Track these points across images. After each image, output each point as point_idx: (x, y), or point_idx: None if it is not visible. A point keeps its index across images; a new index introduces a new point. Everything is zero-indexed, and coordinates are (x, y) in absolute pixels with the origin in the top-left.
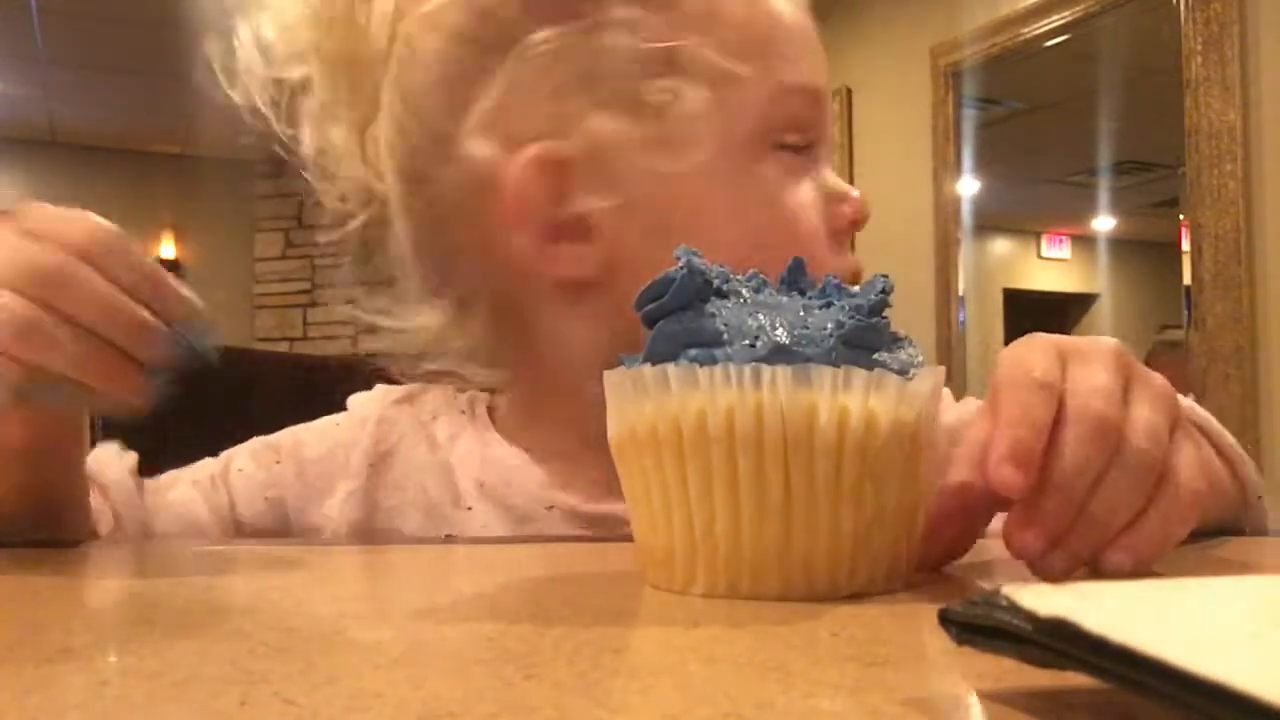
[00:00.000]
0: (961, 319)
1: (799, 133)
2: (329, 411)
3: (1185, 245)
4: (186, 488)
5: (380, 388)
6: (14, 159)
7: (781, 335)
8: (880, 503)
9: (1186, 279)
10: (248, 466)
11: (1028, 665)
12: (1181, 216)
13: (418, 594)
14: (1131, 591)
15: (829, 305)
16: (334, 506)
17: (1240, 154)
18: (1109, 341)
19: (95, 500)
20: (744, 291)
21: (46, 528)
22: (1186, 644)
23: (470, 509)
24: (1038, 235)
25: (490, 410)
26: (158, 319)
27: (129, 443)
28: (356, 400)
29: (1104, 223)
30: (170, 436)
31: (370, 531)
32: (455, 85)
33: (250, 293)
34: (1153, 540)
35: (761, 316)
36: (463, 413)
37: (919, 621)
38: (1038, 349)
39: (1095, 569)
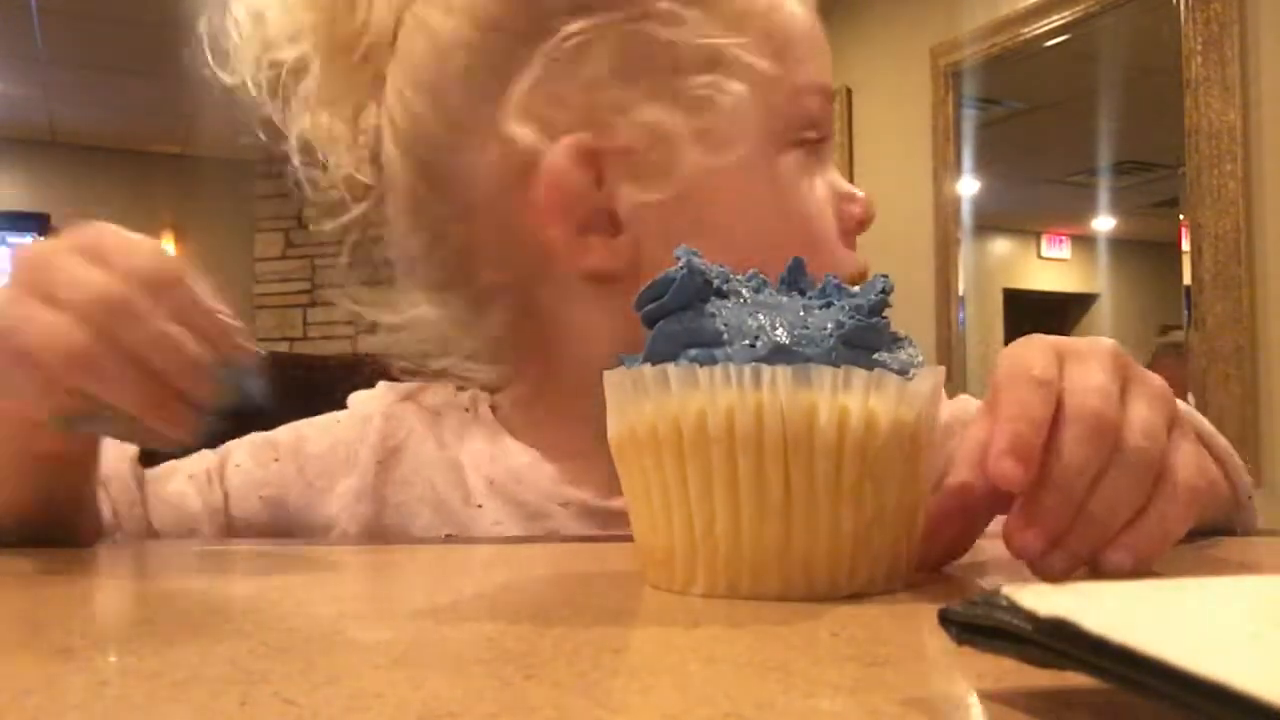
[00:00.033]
0: (961, 319)
1: (814, 130)
2: (330, 411)
3: (1185, 245)
4: (182, 482)
5: (383, 385)
6: (14, 159)
7: (781, 335)
8: (880, 503)
9: (1186, 279)
10: (245, 463)
11: (1028, 665)
12: (1181, 216)
13: (418, 594)
14: (1131, 591)
15: (829, 305)
16: (337, 503)
17: (1240, 154)
18: (1106, 342)
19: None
20: (744, 291)
21: (59, 530)
22: (1186, 644)
23: (480, 506)
24: (1038, 235)
25: (492, 409)
26: (212, 357)
27: None
28: (358, 398)
29: (1104, 223)
30: None
31: (379, 529)
32: (483, 74)
33: (250, 293)
34: (1153, 539)
35: (761, 316)
36: (466, 410)
37: (919, 621)
38: (1036, 349)
39: (1095, 569)
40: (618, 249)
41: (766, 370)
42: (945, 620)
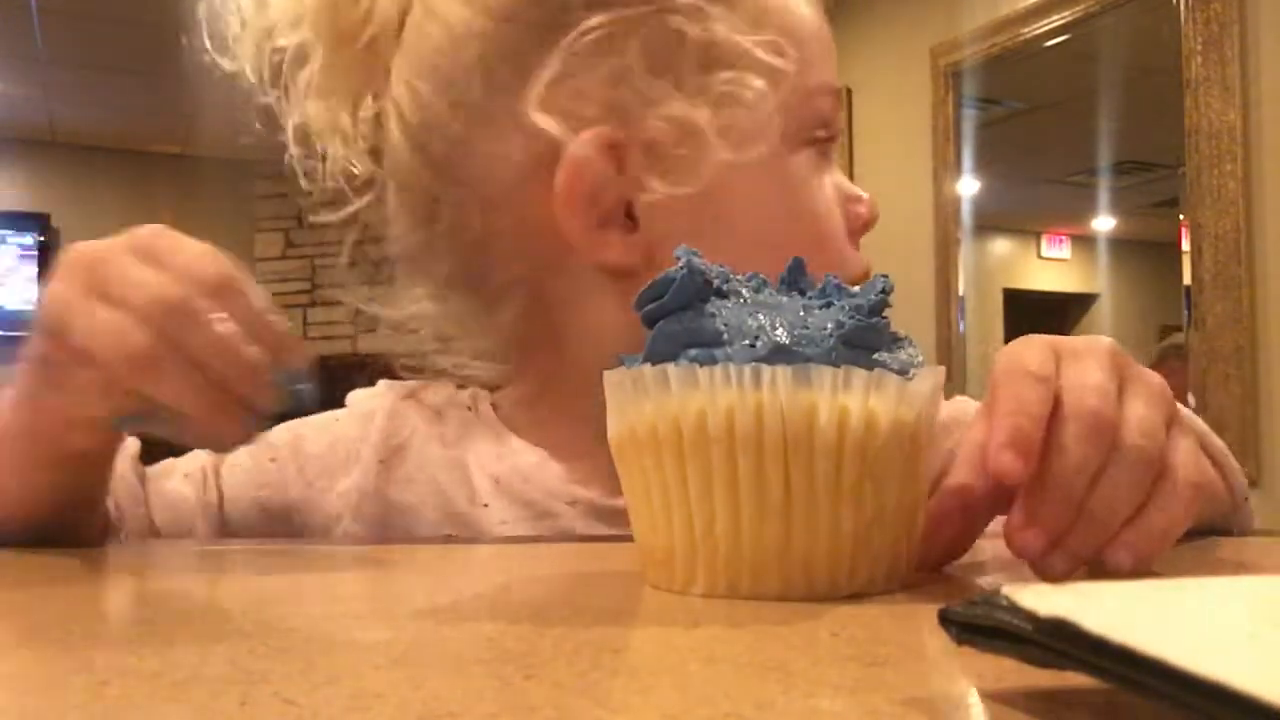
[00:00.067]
0: (961, 319)
1: (824, 130)
2: (330, 410)
3: (1185, 245)
4: (179, 480)
5: (383, 383)
6: (14, 159)
7: (781, 335)
8: (880, 503)
9: (1186, 279)
10: (242, 462)
11: (1028, 665)
12: (1181, 216)
13: (418, 594)
14: (1131, 591)
15: (829, 305)
16: (339, 502)
17: (1240, 154)
18: (1104, 340)
19: None
20: (744, 291)
21: (68, 529)
22: (1186, 644)
23: (487, 505)
24: (1038, 235)
25: (493, 406)
26: (268, 362)
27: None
28: (357, 396)
29: (1104, 223)
30: None
31: (382, 529)
32: (501, 65)
33: None
34: (1153, 537)
35: (761, 316)
36: (468, 409)
37: (919, 621)
38: (1034, 347)
39: (1096, 568)
40: (634, 245)
41: (766, 370)
42: (945, 620)
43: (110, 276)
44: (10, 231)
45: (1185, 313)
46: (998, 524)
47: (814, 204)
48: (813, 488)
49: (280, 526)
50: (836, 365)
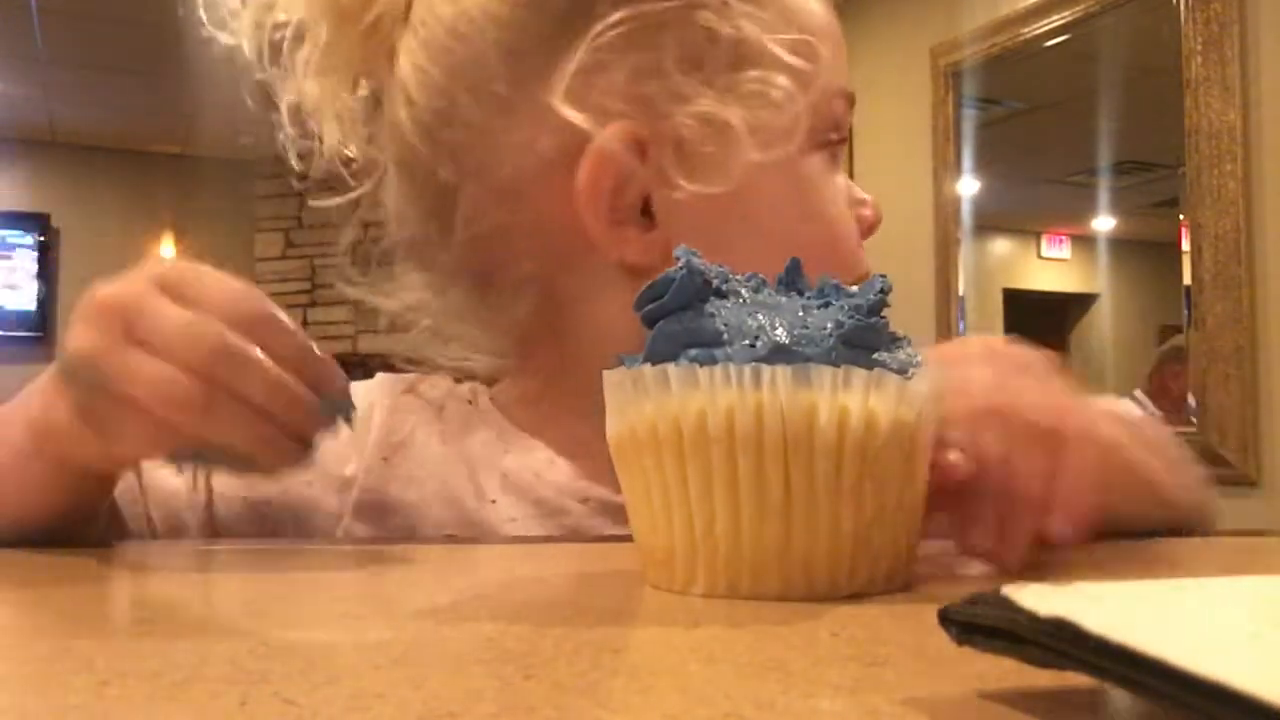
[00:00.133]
0: (961, 319)
1: (836, 132)
2: None
3: (1185, 245)
4: (170, 472)
5: (381, 376)
6: (14, 159)
7: (781, 335)
8: (880, 502)
9: (1186, 279)
10: None
11: (1028, 665)
12: (1181, 216)
13: (418, 594)
14: (1131, 591)
15: (828, 305)
16: (337, 501)
17: (1240, 154)
18: (979, 340)
19: None
20: (743, 291)
21: (75, 536)
22: (1186, 644)
23: (494, 502)
24: (1038, 235)
25: (492, 401)
26: (312, 391)
27: None
28: (354, 390)
29: (1104, 223)
30: None
31: (385, 527)
32: (522, 53)
33: None
34: (1078, 495)
35: (761, 316)
36: (469, 403)
37: (919, 621)
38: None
39: (1047, 545)
40: (651, 243)
41: (766, 370)
42: (945, 620)
43: (149, 324)
44: (10, 231)
45: (1185, 313)
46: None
47: (827, 206)
48: (813, 487)
49: (273, 526)
50: (836, 365)
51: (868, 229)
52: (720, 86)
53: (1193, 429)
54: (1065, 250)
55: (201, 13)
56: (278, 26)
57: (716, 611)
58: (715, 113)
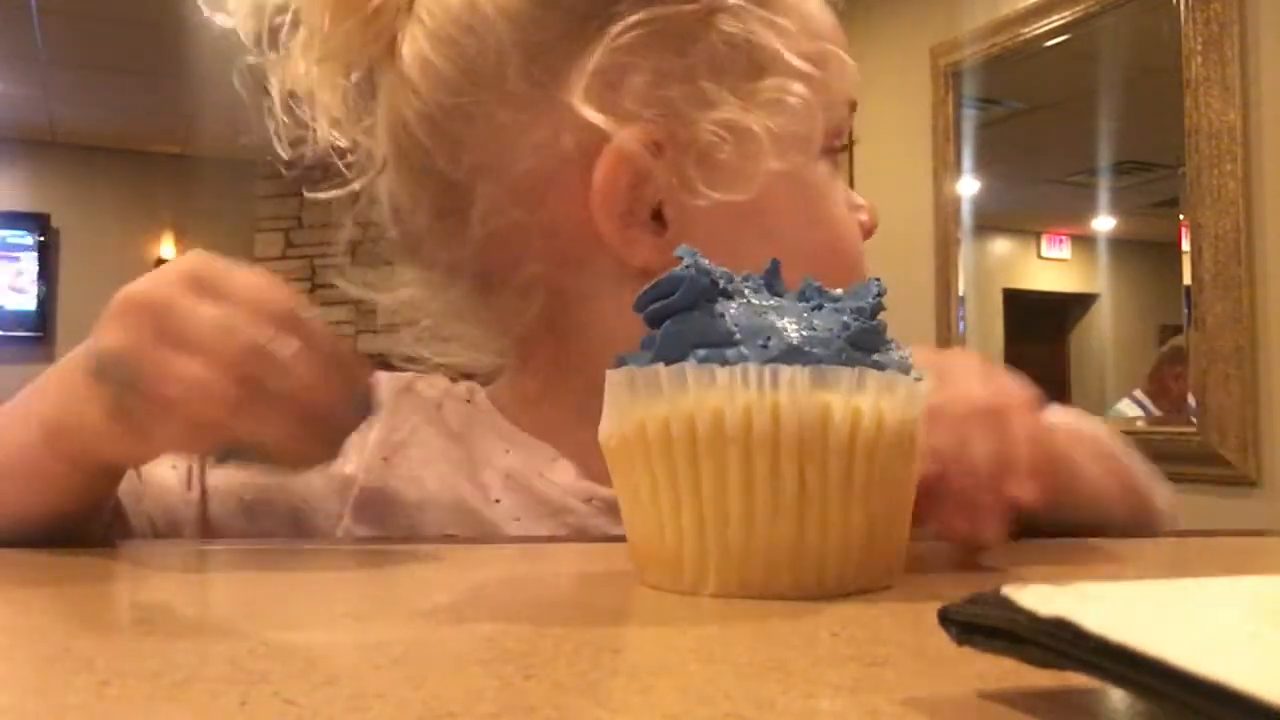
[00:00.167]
0: (961, 319)
1: (839, 139)
2: None
3: (1185, 245)
4: (166, 469)
5: (378, 374)
6: (14, 159)
7: (793, 336)
8: (887, 500)
9: (1186, 279)
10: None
11: (1028, 665)
12: (1181, 216)
13: (418, 594)
14: (1131, 591)
15: (819, 307)
16: (335, 501)
17: (1240, 154)
18: (920, 348)
19: None
20: (746, 292)
21: (77, 532)
22: (1186, 644)
23: (499, 501)
24: (1038, 235)
25: (490, 401)
26: (343, 383)
27: None
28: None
29: (1104, 223)
30: None
31: (386, 527)
32: (538, 49)
33: None
34: (1032, 459)
35: (771, 317)
36: (468, 402)
37: (919, 621)
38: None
39: (1017, 512)
40: (663, 246)
41: (785, 370)
42: (945, 620)
43: (178, 322)
44: (10, 231)
45: (1185, 313)
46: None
47: (832, 212)
48: (825, 486)
49: (268, 526)
50: (846, 366)
51: (865, 234)
52: (741, 93)
53: (1193, 429)
54: (1065, 250)
55: None
56: (278, 10)
57: (716, 611)
58: (738, 120)
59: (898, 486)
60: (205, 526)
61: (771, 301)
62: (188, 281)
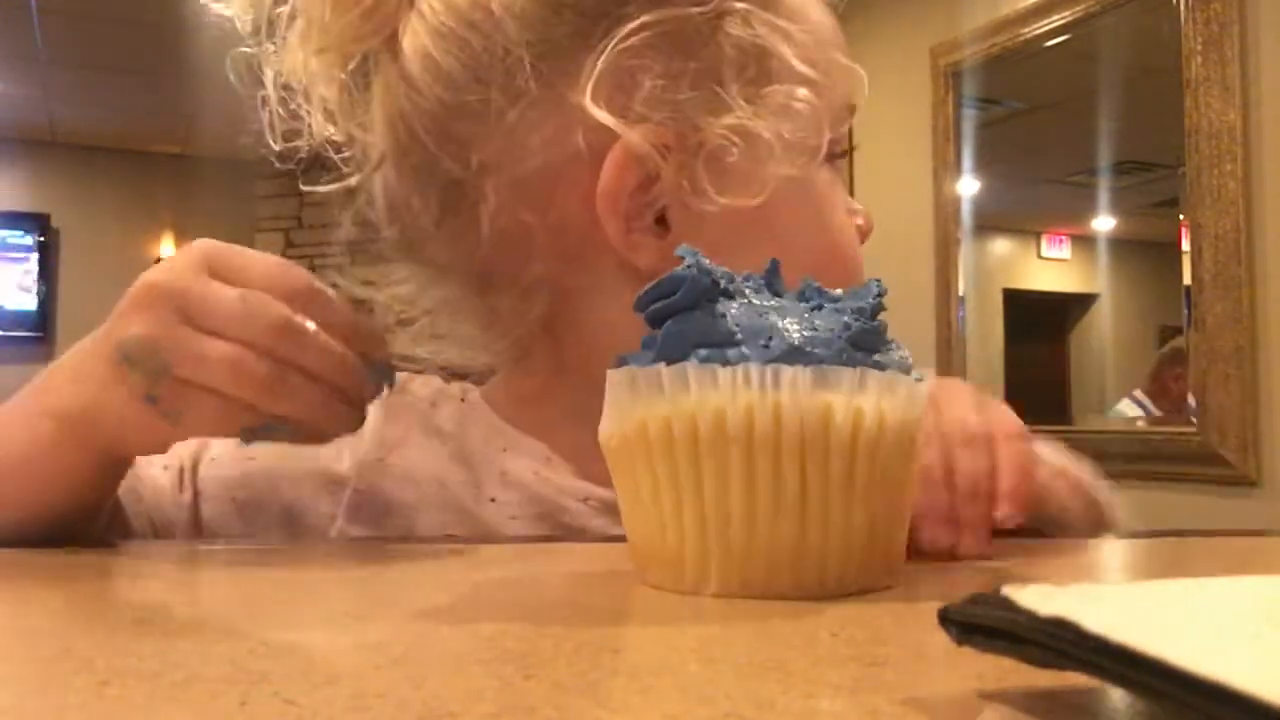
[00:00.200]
0: (961, 319)
1: (839, 145)
2: None
3: (1185, 245)
4: (159, 470)
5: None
6: (14, 159)
7: (794, 336)
8: (887, 500)
9: (1186, 279)
10: (221, 458)
11: (1028, 665)
12: (1181, 216)
13: (418, 594)
14: (1131, 592)
15: (820, 308)
16: (329, 502)
17: (1240, 154)
18: (964, 383)
19: None
20: (747, 292)
21: (78, 531)
22: (1186, 644)
23: (494, 500)
24: (1038, 235)
25: (484, 400)
26: (362, 358)
27: None
28: None
29: (1104, 223)
30: None
31: (381, 528)
32: (545, 52)
33: None
34: (1014, 479)
35: (772, 317)
36: (462, 401)
37: (919, 621)
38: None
39: (1001, 529)
40: (666, 249)
41: (787, 371)
42: (945, 620)
43: (201, 305)
44: (10, 231)
45: (1185, 313)
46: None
47: (833, 218)
48: (827, 486)
49: (261, 527)
50: (848, 366)
51: (861, 239)
52: (750, 98)
53: (1193, 429)
54: (1065, 250)
55: None
56: (276, 1)
57: (716, 611)
58: (747, 125)
59: (899, 487)
60: (197, 528)
61: (772, 302)
62: (203, 266)
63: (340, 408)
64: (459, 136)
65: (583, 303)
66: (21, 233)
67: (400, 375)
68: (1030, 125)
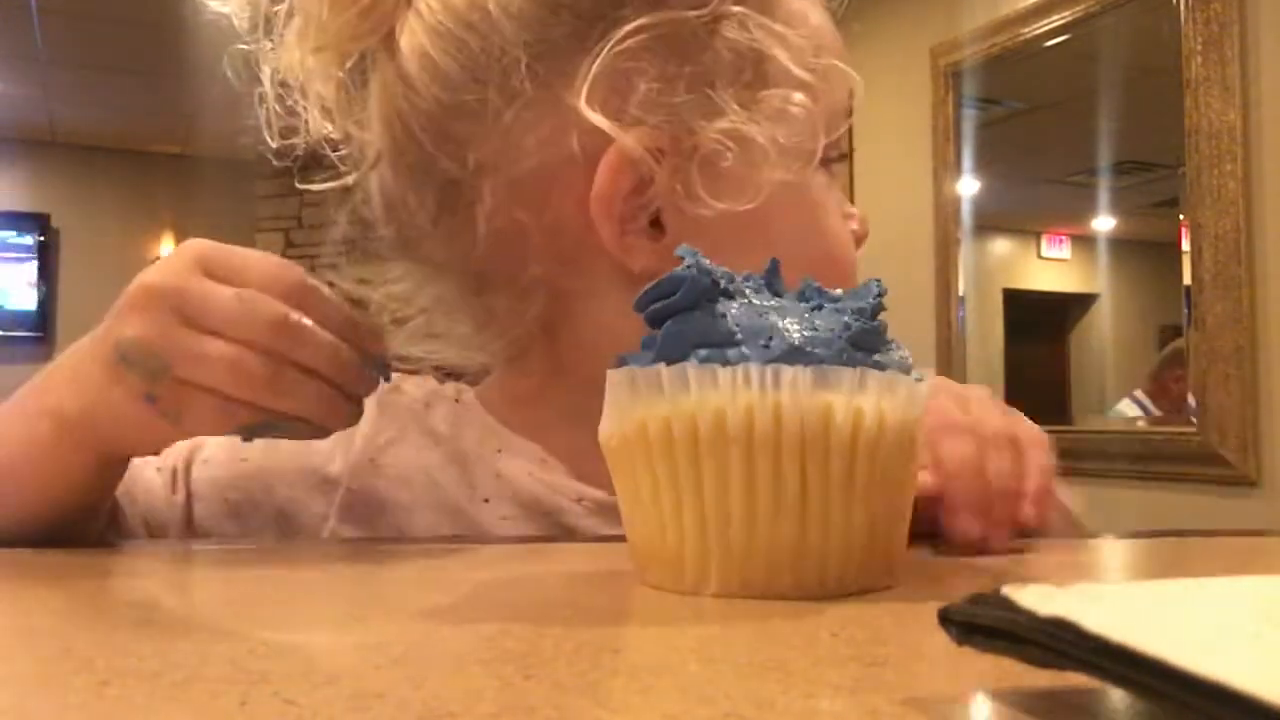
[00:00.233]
0: (961, 319)
1: (836, 149)
2: None
3: (1185, 245)
4: (152, 472)
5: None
6: (14, 159)
7: (794, 336)
8: (887, 500)
9: (1186, 279)
10: (214, 458)
11: (1028, 665)
12: (1181, 216)
13: (417, 594)
14: (1131, 592)
15: (820, 308)
16: (323, 503)
17: (1240, 154)
18: (983, 388)
19: None
20: (747, 292)
21: (76, 531)
22: (1186, 644)
23: (488, 501)
24: (1038, 235)
25: (479, 400)
26: (358, 353)
27: None
28: None
29: (1104, 223)
30: None
31: (373, 528)
32: (542, 53)
33: None
34: (1040, 485)
35: (773, 317)
36: (456, 401)
37: (919, 621)
38: (947, 401)
39: (1021, 529)
40: (661, 251)
41: (788, 371)
42: (945, 620)
43: (198, 305)
44: (10, 232)
45: (1185, 313)
46: None
47: (828, 222)
48: (827, 486)
49: (254, 528)
50: (848, 366)
51: (856, 243)
52: (745, 102)
53: (1193, 429)
54: (1065, 250)
55: None
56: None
57: (716, 611)
58: (742, 129)
59: (899, 487)
60: (190, 529)
61: (772, 302)
62: (198, 266)
63: (339, 403)
64: (456, 136)
65: (578, 304)
66: (22, 233)
67: (394, 376)
68: (1030, 125)
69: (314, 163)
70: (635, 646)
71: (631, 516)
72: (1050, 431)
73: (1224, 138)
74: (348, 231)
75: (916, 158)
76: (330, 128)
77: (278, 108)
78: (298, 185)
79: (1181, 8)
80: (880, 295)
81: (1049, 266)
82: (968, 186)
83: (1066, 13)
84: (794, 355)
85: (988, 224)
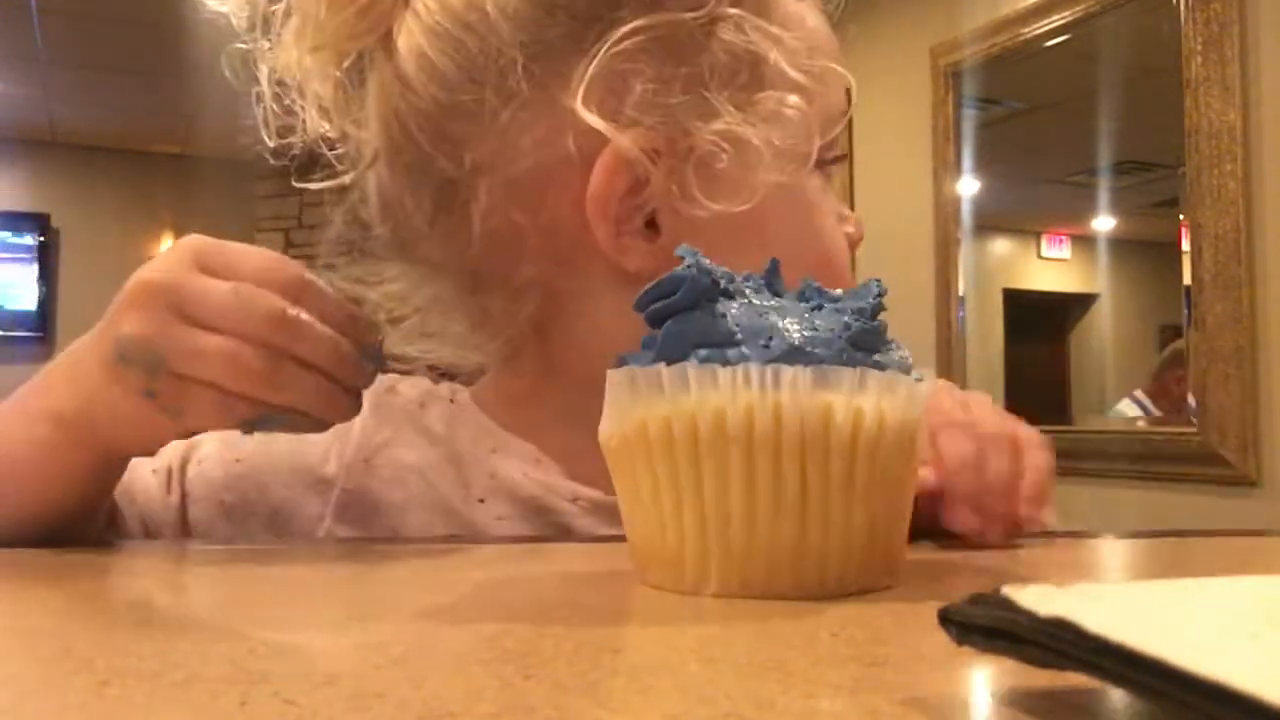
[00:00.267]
0: (961, 319)
1: (831, 151)
2: None
3: (1185, 245)
4: (147, 473)
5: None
6: (14, 159)
7: (795, 336)
8: (887, 500)
9: (1186, 279)
10: (209, 459)
11: (1028, 665)
12: (1181, 216)
13: (418, 594)
14: (1131, 592)
15: (820, 308)
16: (318, 504)
17: (1240, 154)
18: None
19: None
20: (747, 292)
21: (75, 531)
22: (1186, 644)
23: (483, 501)
24: (1038, 235)
25: (473, 400)
26: (356, 346)
27: None
28: None
29: (1104, 223)
30: None
31: (370, 528)
32: (539, 54)
33: None
34: (1039, 484)
35: (773, 317)
36: (451, 402)
37: (919, 621)
38: (947, 401)
39: (1020, 530)
40: (656, 252)
41: (788, 371)
42: (945, 620)
43: (195, 301)
44: (10, 232)
45: (1185, 313)
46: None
47: (823, 224)
48: (827, 486)
49: (249, 529)
50: (848, 366)
51: (851, 246)
52: (741, 104)
53: (1193, 429)
54: (1065, 250)
55: None
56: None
57: (716, 611)
58: (737, 131)
59: (899, 486)
60: (185, 530)
61: (772, 302)
62: (194, 262)
63: (338, 395)
64: (453, 136)
65: (573, 305)
66: (22, 233)
67: (389, 376)
68: (1030, 125)
69: (311, 162)
70: (635, 646)
71: (631, 516)
72: (1050, 432)
73: (1224, 138)
74: (344, 231)
75: (916, 158)
76: (327, 127)
77: (275, 107)
78: (295, 184)
79: (1181, 8)
80: (880, 295)
81: (1049, 266)
82: (968, 186)
83: (1066, 13)
84: (794, 355)
85: (988, 224)
